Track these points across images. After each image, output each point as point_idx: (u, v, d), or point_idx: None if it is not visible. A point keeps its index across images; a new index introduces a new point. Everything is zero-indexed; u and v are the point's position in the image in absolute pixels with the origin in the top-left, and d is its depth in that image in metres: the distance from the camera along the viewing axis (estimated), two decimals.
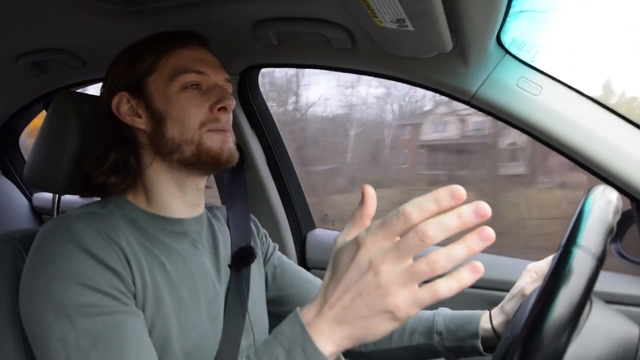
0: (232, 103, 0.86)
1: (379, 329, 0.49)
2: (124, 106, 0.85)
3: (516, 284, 0.92)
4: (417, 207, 0.45)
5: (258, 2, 0.96)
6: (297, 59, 1.22)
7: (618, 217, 0.63)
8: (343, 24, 0.98)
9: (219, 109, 0.84)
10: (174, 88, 0.83)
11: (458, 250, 0.44)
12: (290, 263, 1.10)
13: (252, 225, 1.07)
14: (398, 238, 0.47)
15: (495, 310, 0.93)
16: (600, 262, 0.57)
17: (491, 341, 0.91)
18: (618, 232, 1.08)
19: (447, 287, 0.46)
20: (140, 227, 0.82)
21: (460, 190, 0.44)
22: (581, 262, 0.56)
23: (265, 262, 1.06)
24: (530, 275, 0.91)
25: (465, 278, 0.45)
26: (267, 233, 1.12)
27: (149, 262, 0.77)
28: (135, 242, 0.78)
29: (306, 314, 0.53)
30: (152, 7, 0.98)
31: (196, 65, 0.85)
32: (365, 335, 0.50)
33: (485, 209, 0.43)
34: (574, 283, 0.55)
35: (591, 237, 0.58)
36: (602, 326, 0.62)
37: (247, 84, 1.34)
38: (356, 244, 0.49)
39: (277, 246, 1.12)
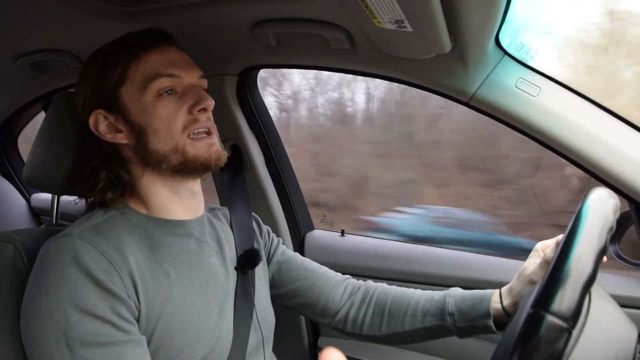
0: (211, 103, 0.83)
1: None
2: (102, 124, 0.82)
3: (524, 264, 0.91)
4: None
5: (257, 3, 0.96)
6: (296, 60, 1.22)
7: (612, 232, 0.63)
8: (342, 25, 0.98)
9: (199, 110, 0.82)
10: (149, 97, 0.80)
11: None
12: (294, 256, 1.10)
13: (254, 224, 1.08)
14: None
15: (504, 290, 0.92)
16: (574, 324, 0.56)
17: (502, 319, 0.90)
18: (616, 233, 1.09)
19: None
20: (145, 231, 0.82)
21: None
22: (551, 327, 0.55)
23: (270, 260, 1.07)
24: (538, 255, 0.90)
25: None
26: (269, 229, 1.12)
27: (154, 274, 0.77)
28: (141, 254, 0.77)
29: None
30: (150, 8, 0.99)
31: (167, 68, 0.82)
32: None
33: None
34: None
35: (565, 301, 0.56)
36: (600, 327, 0.62)
37: (246, 84, 1.34)
38: None
39: (281, 240, 1.12)
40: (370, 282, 1.08)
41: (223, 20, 1.04)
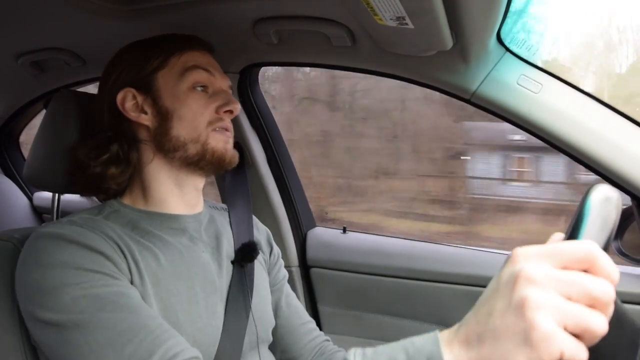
0: (238, 107, 0.88)
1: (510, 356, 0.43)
2: (129, 102, 0.85)
3: None
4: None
5: (258, 1, 0.96)
6: (297, 58, 1.22)
7: (617, 221, 0.63)
8: (343, 22, 0.98)
9: (225, 112, 0.87)
10: (184, 86, 0.85)
11: None
12: (294, 295, 1.07)
13: (265, 234, 1.07)
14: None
15: None
16: None
17: None
18: (618, 229, 1.08)
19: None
20: (136, 226, 0.82)
21: None
22: None
23: (274, 284, 1.04)
24: None
25: None
26: (280, 253, 1.09)
27: (143, 255, 0.77)
28: (129, 239, 0.78)
29: (444, 333, 0.50)
30: (152, 6, 0.99)
31: (206, 65, 0.88)
32: None
33: None
34: None
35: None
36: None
37: (247, 82, 1.34)
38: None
39: (287, 275, 1.09)
40: (342, 352, 1.01)
41: (224, 18, 1.04)
